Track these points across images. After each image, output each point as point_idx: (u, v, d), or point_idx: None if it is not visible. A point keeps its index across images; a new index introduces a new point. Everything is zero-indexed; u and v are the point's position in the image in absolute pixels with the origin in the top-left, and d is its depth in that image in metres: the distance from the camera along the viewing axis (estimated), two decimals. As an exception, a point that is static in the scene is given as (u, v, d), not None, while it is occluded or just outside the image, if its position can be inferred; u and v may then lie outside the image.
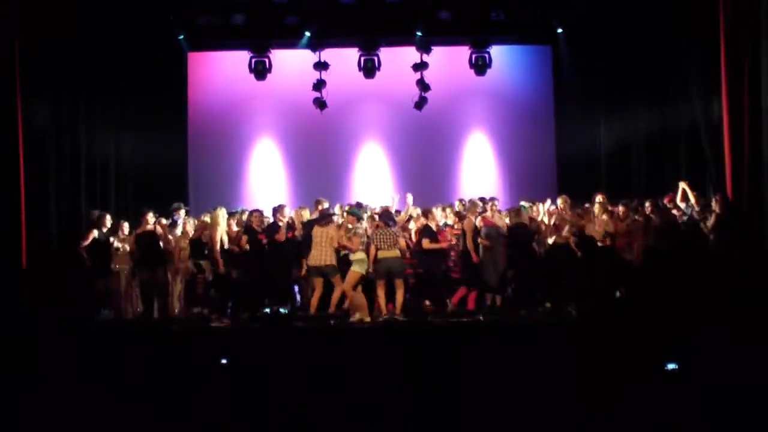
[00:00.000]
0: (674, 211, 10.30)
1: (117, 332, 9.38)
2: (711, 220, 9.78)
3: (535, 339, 8.55)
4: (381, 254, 9.98)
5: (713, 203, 9.97)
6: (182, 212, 11.33)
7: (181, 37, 13.63)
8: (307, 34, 13.49)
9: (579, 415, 6.78)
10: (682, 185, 10.54)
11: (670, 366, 7.56)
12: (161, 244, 10.48)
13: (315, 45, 13.71)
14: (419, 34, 13.44)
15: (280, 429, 6.96)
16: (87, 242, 10.44)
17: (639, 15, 12.38)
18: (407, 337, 8.93)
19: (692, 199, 10.36)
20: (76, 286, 10.20)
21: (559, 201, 10.98)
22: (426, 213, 10.70)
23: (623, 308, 9.71)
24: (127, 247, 10.60)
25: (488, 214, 10.70)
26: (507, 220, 10.93)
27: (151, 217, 10.53)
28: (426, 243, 10.36)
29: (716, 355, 7.46)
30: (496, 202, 11.13)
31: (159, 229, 10.52)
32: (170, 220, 11.10)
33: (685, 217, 10.20)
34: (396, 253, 10.03)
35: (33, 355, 8.13)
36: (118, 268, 10.63)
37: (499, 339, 8.66)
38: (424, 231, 10.50)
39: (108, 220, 10.79)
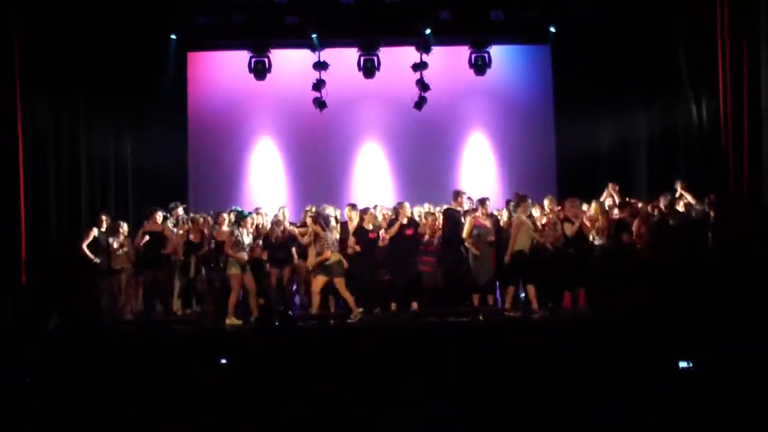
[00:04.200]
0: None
1: (117, 332, 9.39)
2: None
3: (536, 339, 8.56)
4: (334, 257, 10.06)
5: (706, 204, 10.03)
6: (180, 210, 11.33)
7: (174, 37, 13.63)
8: (314, 36, 13.49)
9: (580, 414, 6.79)
10: (679, 188, 10.58)
11: (682, 364, 7.56)
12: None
13: (317, 45, 13.72)
14: (428, 31, 13.41)
15: (280, 429, 6.97)
16: (87, 241, 10.46)
17: (638, 14, 12.39)
18: (407, 337, 8.93)
19: (690, 199, 10.37)
20: (77, 287, 10.21)
21: (546, 202, 11.00)
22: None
23: (623, 308, 9.74)
24: (126, 248, 10.59)
25: (479, 215, 10.69)
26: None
27: (159, 216, 10.54)
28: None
29: (717, 355, 7.48)
30: (488, 203, 11.10)
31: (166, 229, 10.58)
32: (171, 220, 11.12)
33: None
34: (338, 256, 10.08)
35: (33, 356, 8.14)
36: (119, 268, 10.64)
37: (499, 339, 8.67)
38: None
39: (105, 221, 10.80)
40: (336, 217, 11.16)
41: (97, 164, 12.35)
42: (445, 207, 11.01)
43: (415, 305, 10.60)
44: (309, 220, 10.48)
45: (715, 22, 9.62)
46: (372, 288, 10.62)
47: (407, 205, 10.85)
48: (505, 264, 10.25)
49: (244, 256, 10.10)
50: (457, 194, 10.79)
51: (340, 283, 10.09)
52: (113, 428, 7.02)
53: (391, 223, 10.68)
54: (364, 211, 10.78)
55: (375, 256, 10.63)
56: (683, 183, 10.71)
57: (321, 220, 10.29)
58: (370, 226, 10.67)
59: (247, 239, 10.23)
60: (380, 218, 11.15)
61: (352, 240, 10.49)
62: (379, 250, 10.70)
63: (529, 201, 10.54)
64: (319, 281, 10.11)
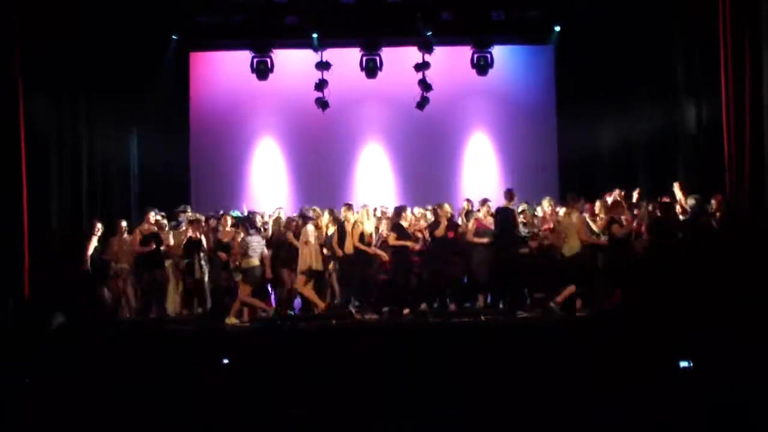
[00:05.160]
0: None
1: (117, 332, 9.40)
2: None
3: (535, 339, 8.55)
4: (251, 262, 10.08)
5: (713, 203, 9.99)
6: (188, 214, 11.32)
7: (176, 37, 13.63)
8: (315, 35, 13.51)
9: (580, 414, 6.78)
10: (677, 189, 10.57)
11: (683, 364, 7.54)
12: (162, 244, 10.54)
13: (318, 45, 13.73)
14: (429, 33, 13.41)
15: (280, 429, 6.97)
16: (90, 252, 10.53)
17: (639, 15, 12.36)
18: (407, 337, 8.92)
19: (680, 196, 10.35)
20: (77, 287, 10.22)
21: (544, 203, 10.97)
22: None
23: (624, 307, 9.73)
24: (126, 248, 10.63)
25: (481, 215, 10.68)
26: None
27: (152, 217, 10.55)
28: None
29: (718, 355, 7.46)
30: (489, 204, 11.07)
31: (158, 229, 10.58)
32: (174, 222, 11.12)
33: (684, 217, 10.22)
34: (256, 262, 10.09)
35: (34, 356, 8.15)
36: (120, 269, 10.67)
37: (499, 339, 8.66)
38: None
39: (99, 229, 10.79)
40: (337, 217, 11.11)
41: (99, 164, 12.35)
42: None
43: (423, 306, 10.56)
44: (229, 222, 10.65)
45: (716, 22, 9.59)
46: (403, 287, 10.58)
47: (447, 205, 10.75)
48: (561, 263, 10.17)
49: (254, 261, 10.13)
50: (511, 193, 10.60)
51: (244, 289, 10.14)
52: (113, 428, 7.02)
53: (435, 224, 10.57)
54: (402, 209, 10.74)
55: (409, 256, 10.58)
56: (680, 184, 10.66)
57: (247, 223, 10.32)
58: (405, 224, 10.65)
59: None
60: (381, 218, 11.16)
61: (392, 236, 10.43)
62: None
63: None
64: (246, 288, 10.13)
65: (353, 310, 10.39)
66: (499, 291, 10.77)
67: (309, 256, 10.24)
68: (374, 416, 7.10)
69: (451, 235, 10.45)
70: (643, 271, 9.74)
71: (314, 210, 11.19)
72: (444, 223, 10.43)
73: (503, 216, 10.39)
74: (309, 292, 10.32)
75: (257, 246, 10.12)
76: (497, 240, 10.39)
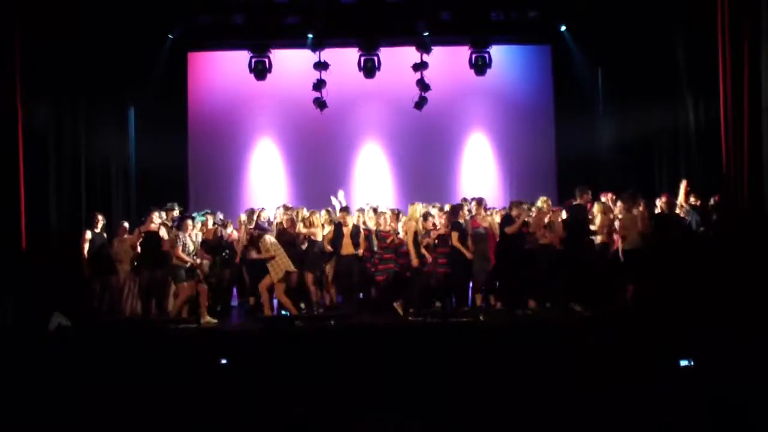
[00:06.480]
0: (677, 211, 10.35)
1: (116, 332, 9.37)
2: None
3: (535, 339, 8.56)
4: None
5: (711, 203, 10.03)
6: (176, 212, 11.32)
7: (172, 37, 13.62)
8: (310, 35, 13.51)
9: (579, 414, 6.78)
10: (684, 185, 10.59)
11: (683, 362, 7.55)
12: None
13: (315, 45, 13.73)
14: (426, 33, 13.42)
15: (280, 429, 6.96)
16: (86, 246, 10.50)
17: (638, 15, 12.38)
18: (407, 337, 8.92)
19: (681, 197, 10.36)
20: (77, 287, 10.21)
21: (539, 203, 10.98)
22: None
23: (624, 307, 9.75)
24: (126, 247, 10.63)
25: (476, 215, 10.70)
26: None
27: (156, 217, 10.55)
28: None
29: (719, 354, 7.48)
30: (484, 203, 11.09)
31: (162, 229, 10.58)
32: (174, 221, 11.13)
33: (688, 217, 10.26)
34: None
35: (32, 355, 8.14)
36: (119, 268, 10.67)
37: (499, 339, 8.67)
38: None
39: (100, 220, 10.80)
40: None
41: (98, 164, 12.34)
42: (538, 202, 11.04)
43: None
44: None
45: (715, 23, 9.62)
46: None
47: (524, 204, 10.77)
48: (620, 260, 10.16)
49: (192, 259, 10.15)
50: (583, 191, 10.49)
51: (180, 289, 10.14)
52: (113, 428, 7.01)
53: (505, 220, 10.50)
54: (459, 207, 10.76)
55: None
56: (686, 183, 10.68)
57: (181, 222, 10.31)
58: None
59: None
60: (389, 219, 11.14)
61: (454, 235, 10.34)
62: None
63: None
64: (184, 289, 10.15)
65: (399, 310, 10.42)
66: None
67: (282, 261, 10.27)
68: (374, 416, 7.09)
69: (525, 230, 10.43)
70: (651, 268, 9.79)
71: (285, 205, 11.52)
72: (520, 220, 10.34)
73: (574, 213, 10.37)
74: (285, 298, 10.31)
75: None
76: (566, 237, 10.37)
